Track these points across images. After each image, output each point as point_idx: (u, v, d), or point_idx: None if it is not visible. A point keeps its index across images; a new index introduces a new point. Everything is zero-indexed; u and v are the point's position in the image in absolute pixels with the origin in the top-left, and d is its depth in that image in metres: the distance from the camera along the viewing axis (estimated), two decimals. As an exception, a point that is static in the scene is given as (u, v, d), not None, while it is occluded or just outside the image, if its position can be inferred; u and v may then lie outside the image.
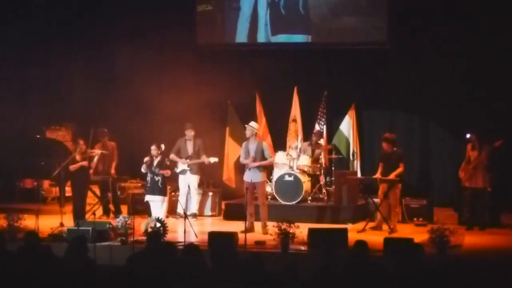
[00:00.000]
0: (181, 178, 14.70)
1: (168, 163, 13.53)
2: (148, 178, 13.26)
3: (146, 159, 13.26)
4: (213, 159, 14.59)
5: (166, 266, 7.93)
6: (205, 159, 14.56)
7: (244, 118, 14.97)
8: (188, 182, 14.67)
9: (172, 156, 14.49)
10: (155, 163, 13.18)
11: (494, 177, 13.38)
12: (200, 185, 15.21)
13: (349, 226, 13.14)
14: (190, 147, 14.71)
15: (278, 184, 14.64)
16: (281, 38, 17.05)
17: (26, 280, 7.84)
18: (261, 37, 17.17)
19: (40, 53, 17.45)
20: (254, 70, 16.55)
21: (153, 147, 13.27)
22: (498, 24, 15.47)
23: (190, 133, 14.71)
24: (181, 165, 14.63)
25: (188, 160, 14.61)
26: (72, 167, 13.66)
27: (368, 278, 7.59)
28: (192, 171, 14.65)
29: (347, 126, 15.88)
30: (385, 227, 13.11)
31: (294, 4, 16.86)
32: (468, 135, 13.63)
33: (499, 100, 15.63)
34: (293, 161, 14.94)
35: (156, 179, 13.16)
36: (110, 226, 12.15)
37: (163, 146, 13.42)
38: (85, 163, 13.65)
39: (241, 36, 17.28)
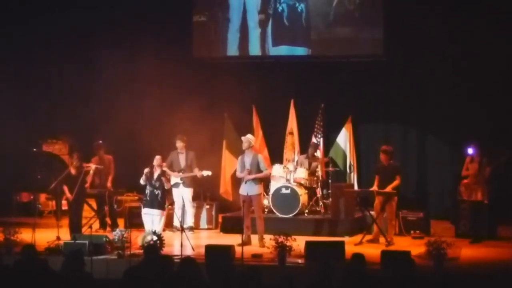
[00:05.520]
0: (174, 191, 14.63)
1: (168, 177, 13.48)
2: (147, 191, 13.14)
3: (146, 170, 13.12)
4: (206, 172, 14.50)
5: (163, 279, 7.91)
6: (197, 172, 14.48)
7: (240, 131, 14.96)
8: (182, 195, 14.61)
9: (165, 169, 14.41)
10: (155, 175, 13.11)
11: (492, 190, 13.37)
12: (196, 198, 15.18)
13: (346, 239, 13.14)
14: (182, 160, 14.65)
15: (275, 197, 14.62)
16: (282, 49, 17.02)
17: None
18: (253, 49, 17.15)
19: (35, 67, 17.45)
20: (250, 83, 16.57)
21: (157, 157, 13.17)
22: (496, 36, 15.48)
23: (178, 144, 14.62)
24: (174, 178, 14.57)
25: (180, 174, 14.57)
26: (64, 187, 13.66)
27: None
28: (185, 184, 14.59)
29: (343, 138, 15.92)
30: (382, 239, 13.09)
31: (297, 16, 16.84)
32: (469, 150, 13.59)
33: (498, 112, 15.63)
34: (290, 174, 14.94)
35: (156, 192, 13.06)
36: (107, 239, 12.12)
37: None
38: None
39: (232, 48, 17.25)
